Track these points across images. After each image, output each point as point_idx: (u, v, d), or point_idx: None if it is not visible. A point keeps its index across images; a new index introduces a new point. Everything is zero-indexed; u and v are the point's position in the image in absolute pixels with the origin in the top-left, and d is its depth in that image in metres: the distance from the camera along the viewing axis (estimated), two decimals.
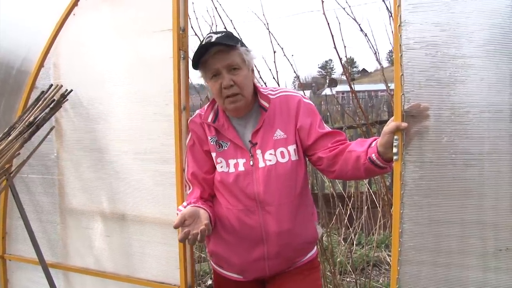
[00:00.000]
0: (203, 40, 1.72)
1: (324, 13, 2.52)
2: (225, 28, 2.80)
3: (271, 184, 1.70)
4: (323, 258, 3.09)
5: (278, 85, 2.82)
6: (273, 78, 2.78)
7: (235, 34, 1.82)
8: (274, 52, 2.76)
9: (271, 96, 1.78)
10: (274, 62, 2.79)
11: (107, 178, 2.19)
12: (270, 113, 1.74)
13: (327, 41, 2.63)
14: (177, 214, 1.74)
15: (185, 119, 1.90)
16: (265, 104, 1.75)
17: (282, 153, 1.72)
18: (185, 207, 1.71)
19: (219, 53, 1.67)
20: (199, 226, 1.55)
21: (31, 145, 2.19)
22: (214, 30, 2.23)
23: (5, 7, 2.35)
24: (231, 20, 2.79)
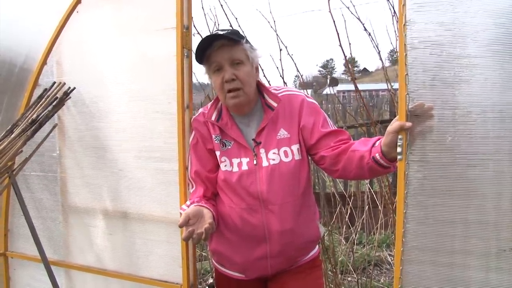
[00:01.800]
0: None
1: (330, 11, 2.52)
2: (230, 25, 2.80)
3: (275, 183, 1.70)
4: (325, 257, 3.09)
5: (284, 83, 2.82)
6: (280, 76, 2.77)
7: (240, 32, 1.81)
8: (280, 50, 2.75)
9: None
10: (280, 60, 2.78)
11: (110, 176, 2.19)
12: (275, 112, 1.74)
13: (328, 40, 2.64)
14: (180, 213, 1.74)
15: (188, 117, 1.90)
16: (273, 103, 1.75)
17: (285, 152, 1.71)
18: (188, 206, 1.70)
19: (222, 47, 1.67)
20: (203, 225, 1.55)
21: (34, 142, 2.20)
22: (221, 28, 2.22)
23: (8, 5, 2.35)
24: (231, 20, 2.79)
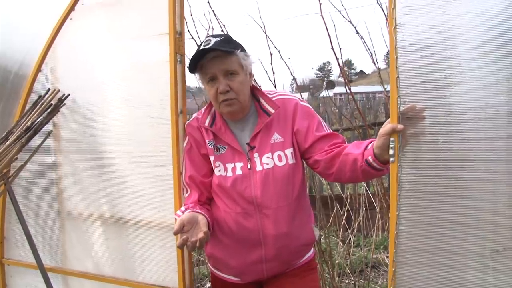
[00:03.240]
0: (201, 44, 1.72)
1: (321, 15, 2.53)
2: (222, 31, 2.81)
3: (269, 188, 1.70)
4: (322, 260, 3.09)
5: (275, 87, 2.83)
6: (269, 79, 2.79)
7: (234, 37, 1.80)
8: (271, 54, 2.77)
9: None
10: (271, 64, 2.80)
11: (105, 182, 2.19)
12: (271, 118, 1.74)
13: (325, 43, 2.65)
14: (175, 219, 1.74)
15: (182, 122, 1.91)
16: (270, 109, 1.75)
17: (279, 156, 1.72)
18: (183, 212, 1.71)
19: (216, 58, 1.67)
20: (197, 232, 1.55)
21: (29, 149, 2.20)
22: (213, 34, 2.22)
23: (2, 11, 2.35)
24: (224, 25, 2.80)
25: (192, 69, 1.73)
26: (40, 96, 2.25)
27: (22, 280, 2.53)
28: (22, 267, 2.48)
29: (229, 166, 1.74)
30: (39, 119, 2.15)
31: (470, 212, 1.38)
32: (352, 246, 3.85)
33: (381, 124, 1.58)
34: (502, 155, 1.34)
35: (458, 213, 1.40)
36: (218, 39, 1.70)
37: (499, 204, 1.36)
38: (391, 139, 1.43)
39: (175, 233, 1.54)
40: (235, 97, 1.69)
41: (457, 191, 1.39)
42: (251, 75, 1.80)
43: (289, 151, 1.73)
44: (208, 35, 1.80)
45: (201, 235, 1.53)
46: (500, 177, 1.35)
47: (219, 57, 1.67)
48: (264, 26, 2.82)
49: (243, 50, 1.73)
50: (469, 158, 1.37)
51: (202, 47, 1.68)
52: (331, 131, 1.79)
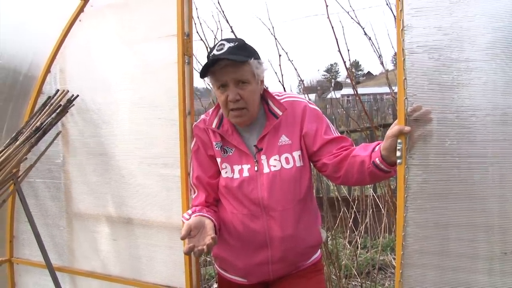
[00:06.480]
0: (214, 47, 1.68)
1: (328, 17, 2.53)
2: (232, 32, 2.81)
3: (276, 190, 1.70)
4: (328, 261, 3.09)
5: (284, 89, 2.83)
6: (279, 81, 2.79)
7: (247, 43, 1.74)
8: (279, 55, 2.77)
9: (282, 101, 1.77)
10: (280, 66, 2.80)
11: (113, 183, 2.21)
12: (278, 120, 1.73)
13: (332, 44, 2.65)
14: (182, 222, 1.74)
15: (190, 123, 1.91)
16: (278, 111, 1.74)
17: (286, 159, 1.72)
18: (190, 215, 1.71)
19: (228, 66, 1.63)
20: (204, 237, 1.55)
21: (38, 150, 2.22)
22: (227, 38, 2.21)
23: (13, 13, 2.38)
24: (231, 27, 2.80)
25: (202, 75, 1.70)
26: (49, 97, 2.28)
27: (31, 279, 2.55)
28: (31, 266, 2.50)
29: (236, 168, 1.74)
30: (48, 120, 2.18)
31: (478, 214, 1.38)
32: (359, 248, 3.84)
33: (388, 125, 1.57)
34: (510, 157, 1.33)
35: (465, 215, 1.39)
36: (232, 44, 1.65)
37: (506, 207, 1.35)
38: (398, 141, 1.43)
39: (182, 238, 1.54)
40: (244, 106, 1.67)
41: (465, 193, 1.39)
42: (262, 82, 1.77)
43: (296, 154, 1.73)
44: (221, 39, 1.74)
45: (208, 240, 1.52)
46: (507, 179, 1.34)
47: (231, 65, 1.63)
48: (272, 27, 2.83)
49: (256, 57, 1.70)
50: (476, 160, 1.36)
51: (215, 52, 1.65)
52: (339, 134, 1.79)
